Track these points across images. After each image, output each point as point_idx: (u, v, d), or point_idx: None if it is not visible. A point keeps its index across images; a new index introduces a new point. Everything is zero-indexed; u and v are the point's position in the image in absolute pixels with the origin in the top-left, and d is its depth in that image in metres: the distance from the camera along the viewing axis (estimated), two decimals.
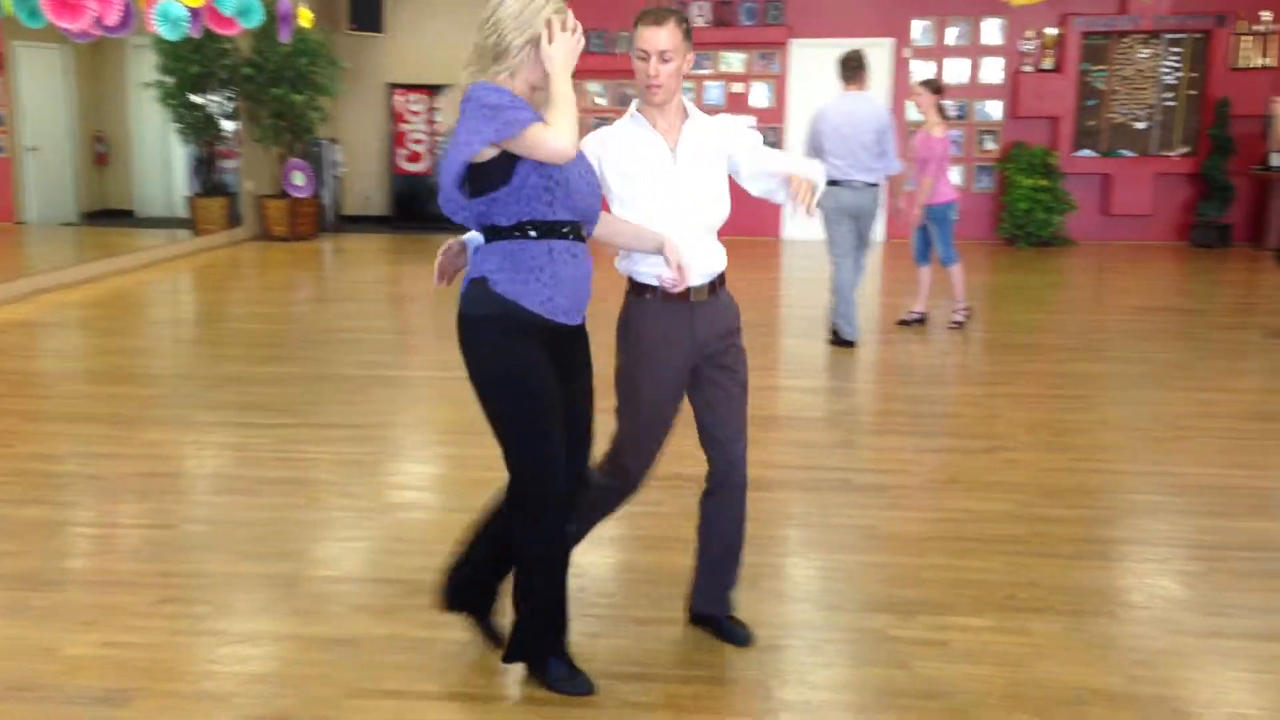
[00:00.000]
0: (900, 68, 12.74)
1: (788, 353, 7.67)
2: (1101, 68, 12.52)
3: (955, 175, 12.78)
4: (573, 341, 2.98)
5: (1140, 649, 3.37)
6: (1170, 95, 12.48)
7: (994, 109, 12.77)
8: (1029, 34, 12.53)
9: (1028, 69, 12.55)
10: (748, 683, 3.19)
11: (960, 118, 12.71)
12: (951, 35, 12.72)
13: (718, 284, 3.19)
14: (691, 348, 3.13)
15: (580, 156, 2.94)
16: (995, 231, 12.67)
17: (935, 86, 8.09)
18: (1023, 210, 12.24)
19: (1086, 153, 12.62)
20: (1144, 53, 12.46)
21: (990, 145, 12.80)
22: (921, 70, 12.58)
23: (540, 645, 3.06)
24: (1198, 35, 12.28)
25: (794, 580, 3.92)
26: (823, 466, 5.11)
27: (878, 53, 12.78)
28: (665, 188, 3.10)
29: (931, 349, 7.71)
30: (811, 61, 12.77)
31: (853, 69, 7.59)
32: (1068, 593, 3.75)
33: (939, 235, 7.99)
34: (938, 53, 12.74)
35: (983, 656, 3.32)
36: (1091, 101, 12.58)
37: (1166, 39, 12.39)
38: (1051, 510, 4.54)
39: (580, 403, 3.02)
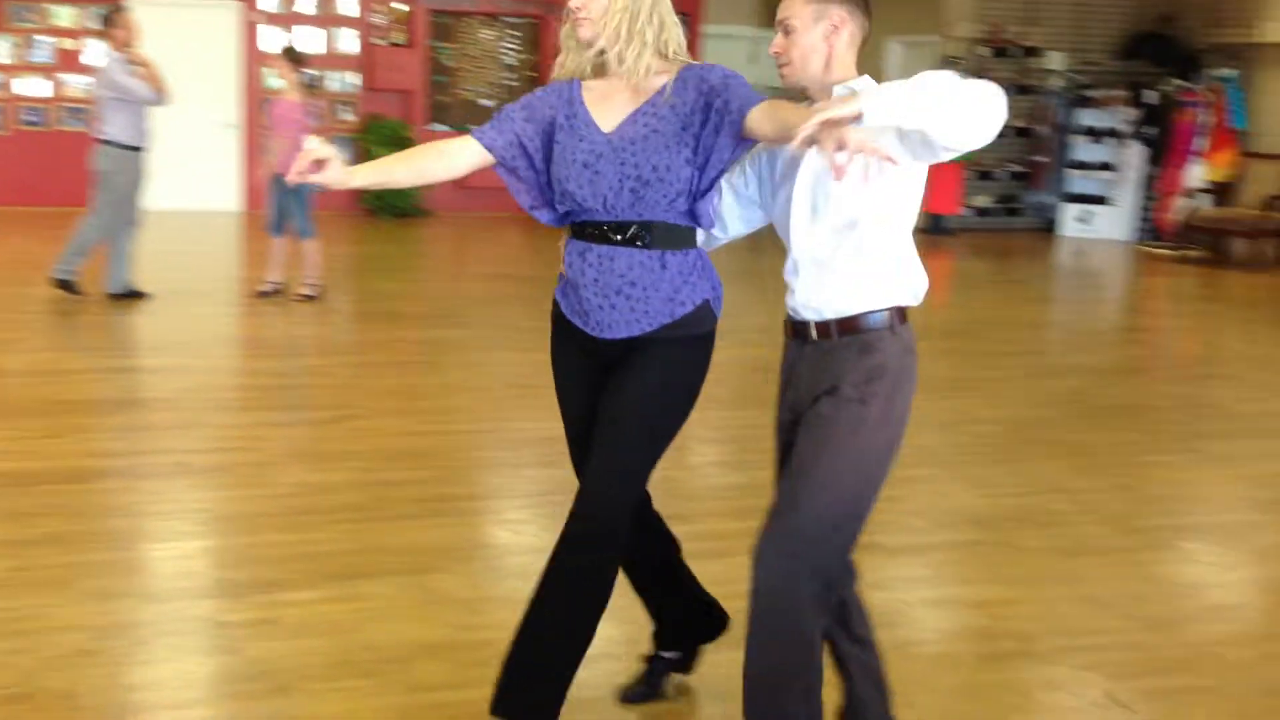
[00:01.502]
0: (249, 33, 12.33)
1: (121, 329, 7.12)
2: (449, 45, 13.01)
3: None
4: None
5: (471, 599, 3.51)
6: (512, 75, 13.28)
7: (350, 80, 12.79)
8: (379, 8, 12.69)
9: (380, 42, 12.71)
10: (49, 695, 2.87)
11: (315, 88, 12.58)
12: (303, 3, 12.52)
13: None
14: None
15: None
16: (357, 202, 12.73)
17: (295, 56, 7.94)
18: None
19: (440, 127, 13.07)
20: (487, 33, 13.13)
21: (348, 116, 12.81)
22: (271, 37, 12.26)
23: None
24: (532, 20, 13.17)
25: (117, 576, 3.60)
26: (159, 450, 4.78)
27: (224, 16, 12.25)
28: None
29: (288, 321, 7.54)
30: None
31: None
32: (405, 553, 3.82)
33: (296, 206, 7.82)
34: (288, 20, 12.49)
35: (314, 628, 3.27)
36: (441, 78, 13.04)
37: (505, 22, 13.14)
38: (395, 474, 4.60)
39: None
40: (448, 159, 2.71)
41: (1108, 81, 12.88)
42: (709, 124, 2.47)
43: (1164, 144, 11.99)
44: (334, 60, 12.72)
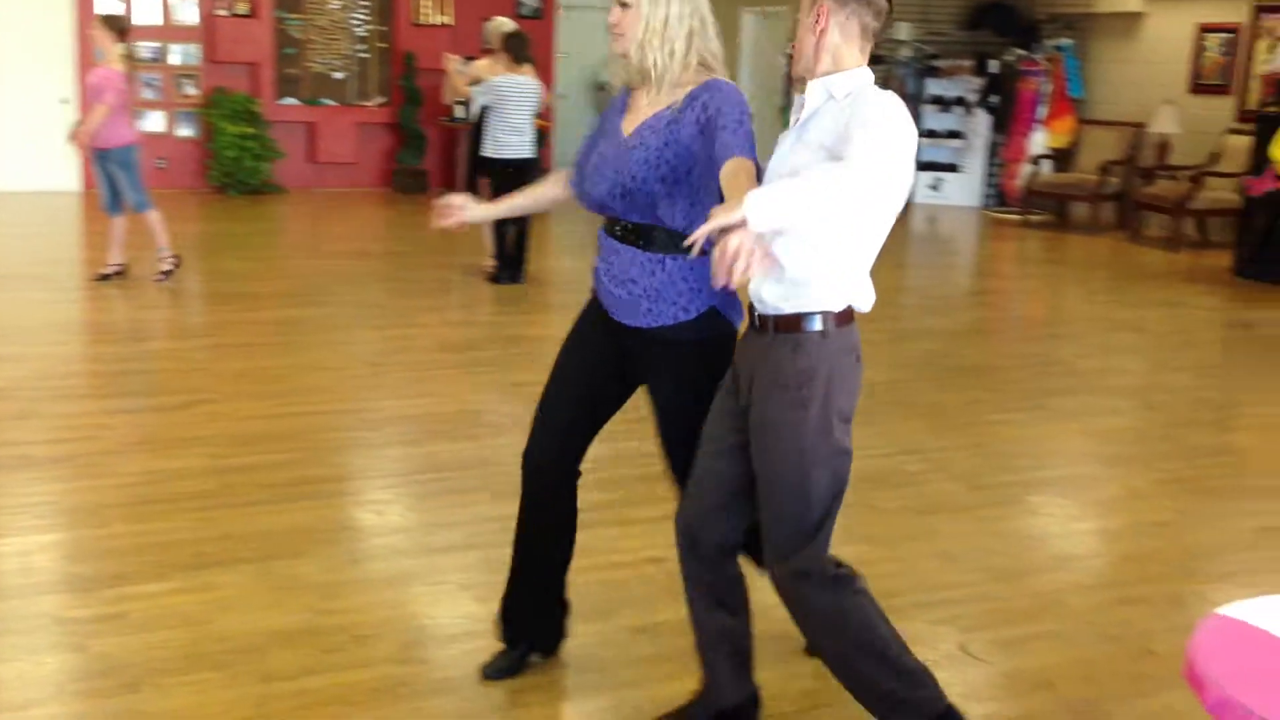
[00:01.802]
0: (83, 4, 11.77)
1: None
2: (297, 17, 12.63)
3: (158, 121, 12.19)
4: None
5: (327, 584, 3.44)
6: (363, 47, 12.97)
7: (191, 52, 12.33)
8: None
9: (222, 13, 12.27)
10: None
11: (156, 60, 12.10)
12: None
13: None
14: None
15: None
16: (205, 180, 12.30)
17: (115, 23, 7.56)
18: (230, 158, 12.02)
19: (290, 100, 12.70)
20: (335, 4, 12.79)
21: (191, 90, 12.35)
22: (107, 7, 11.72)
23: None
24: None
25: None
26: None
27: None
28: None
29: (134, 303, 7.25)
30: None
31: None
32: (258, 540, 3.71)
33: (126, 180, 7.49)
34: None
35: (164, 621, 3.16)
36: (290, 50, 12.66)
37: None
38: (248, 459, 4.47)
39: None
40: (562, 184, 2.93)
41: (954, 52, 13.22)
42: (699, 148, 2.56)
43: (1007, 112, 12.37)
44: (173, 31, 12.24)
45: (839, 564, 2.53)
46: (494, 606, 3.32)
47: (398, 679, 2.92)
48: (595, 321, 2.83)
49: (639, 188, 2.59)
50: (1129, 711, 2.92)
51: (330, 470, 4.46)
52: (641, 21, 2.59)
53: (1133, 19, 11.63)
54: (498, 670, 2.96)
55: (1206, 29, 10.98)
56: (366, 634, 3.12)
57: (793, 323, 2.39)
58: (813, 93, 2.39)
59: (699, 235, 2.15)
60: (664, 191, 2.58)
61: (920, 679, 2.50)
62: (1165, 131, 11.00)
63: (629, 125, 2.68)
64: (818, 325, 2.38)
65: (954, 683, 3.03)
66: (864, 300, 2.46)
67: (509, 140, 7.85)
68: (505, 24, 8.07)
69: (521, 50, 7.81)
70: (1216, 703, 1.63)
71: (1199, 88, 11.10)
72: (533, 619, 2.99)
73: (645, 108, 2.66)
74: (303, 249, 9.97)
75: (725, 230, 2.10)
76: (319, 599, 3.32)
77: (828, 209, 2.14)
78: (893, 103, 2.26)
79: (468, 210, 2.86)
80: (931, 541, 3.94)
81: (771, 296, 2.41)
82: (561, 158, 14.33)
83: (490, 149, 7.88)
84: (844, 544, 3.88)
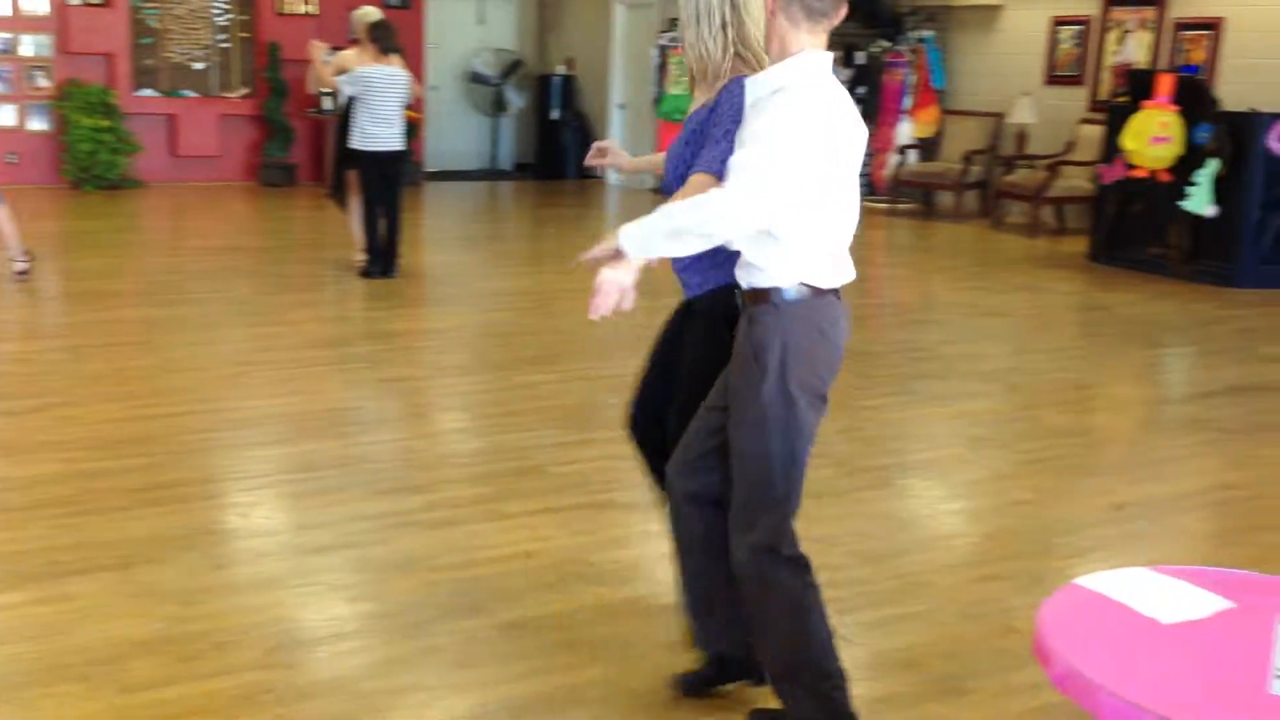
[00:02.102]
0: None
1: None
2: (154, 5, 12.23)
3: (8, 114, 11.70)
4: None
5: (187, 590, 3.33)
6: (224, 37, 12.62)
7: (43, 43, 11.83)
8: None
9: (75, 2, 11.81)
10: None
11: (6, 52, 11.59)
12: None
13: None
14: None
15: None
16: (60, 175, 11.83)
17: None
18: (86, 152, 11.57)
19: (148, 92, 12.29)
20: None
21: (43, 82, 11.86)
22: None
23: None
24: None
25: None
26: None
27: None
28: None
29: None
30: None
31: None
32: (117, 547, 3.58)
33: None
34: None
35: (20, 633, 3.03)
36: (147, 39, 12.25)
37: None
38: (106, 463, 4.31)
39: None
40: None
41: None
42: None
43: (874, 103, 12.61)
44: (23, 22, 11.73)
45: (799, 549, 2.61)
46: (365, 606, 3.27)
47: (262, 685, 2.84)
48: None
49: (672, 182, 2.72)
50: (991, 686, 3.00)
51: (193, 473, 4.33)
52: (682, 14, 2.71)
53: (991, 12, 11.96)
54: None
55: (1060, 21, 11.35)
56: (229, 640, 3.04)
57: (751, 297, 2.52)
58: (750, 86, 2.48)
59: (585, 258, 2.36)
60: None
61: (842, 682, 2.60)
62: (1023, 122, 11.34)
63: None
64: (772, 300, 2.47)
65: None
66: (825, 277, 2.51)
67: (378, 132, 7.72)
68: (371, 13, 7.93)
69: (388, 40, 7.69)
70: (1062, 675, 1.68)
71: (1054, 79, 11.47)
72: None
73: (698, 100, 2.75)
74: (164, 246, 9.67)
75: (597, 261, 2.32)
76: (180, 606, 3.22)
77: (697, 238, 2.34)
78: (798, 108, 2.35)
79: (620, 157, 3.10)
80: (808, 527, 3.96)
81: (740, 273, 2.54)
82: (433, 150, 14.17)
83: (358, 141, 7.75)
84: None
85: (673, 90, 12.79)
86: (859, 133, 2.51)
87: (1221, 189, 8.48)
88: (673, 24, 12.80)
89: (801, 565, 2.60)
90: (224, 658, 2.96)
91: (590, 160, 3.13)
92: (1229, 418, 5.45)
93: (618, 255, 2.38)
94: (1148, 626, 1.89)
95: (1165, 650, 1.81)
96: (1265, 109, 8.69)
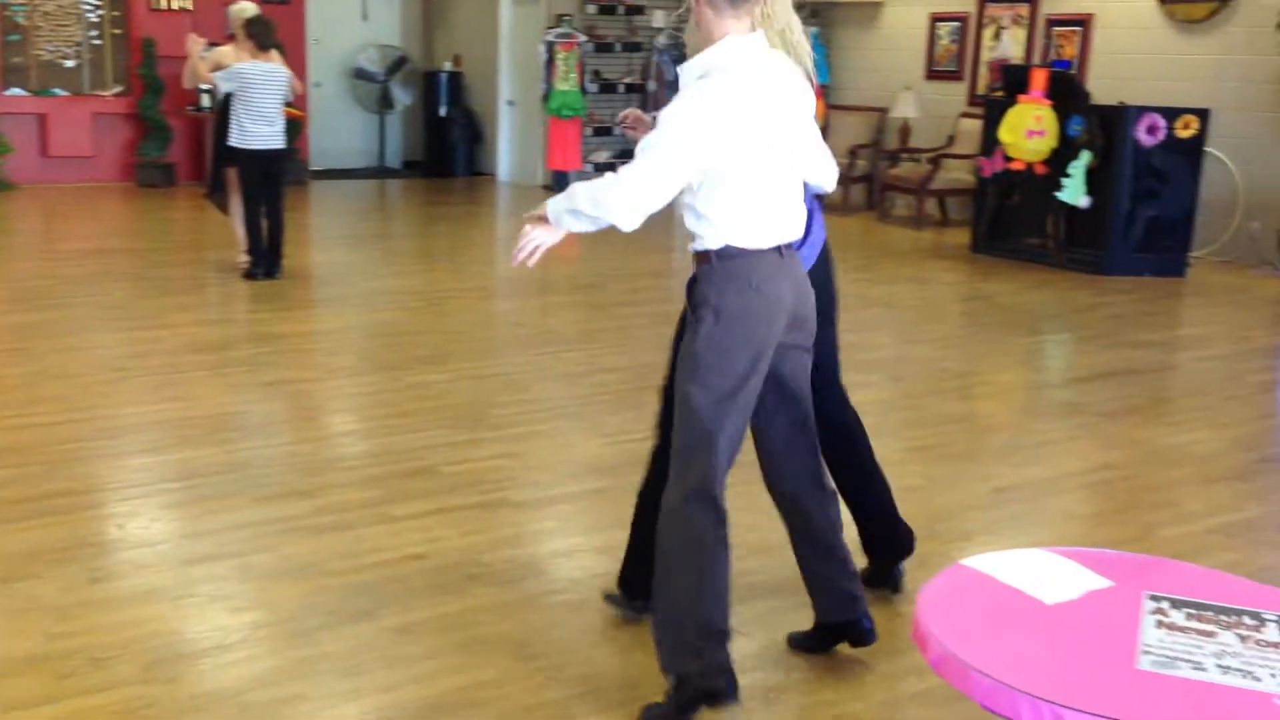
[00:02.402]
0: None
1: None
2: (21, 2, 11.79)
3: None
4: None
5: (64, 605, 3.22)
6: (96, 33, 12.22)
7: None
8: None
9: None
10: None
11: None
12: None
13: None
14: None
15: None
16: None
17: None
18: None
19: (17, 91, 11.84)
20: None
21: None
22: None
23: None
24: None
25: None
26: None
27: None
28: None
29: None
30: None
31: None
32: None
33: None
34: None
35: None
36: (15, 37, 11.80)
37: None
38: None
39: None
40: None
41: None
42: None
43: None
44: None
45: (723, 501, 2.75)
46: (250, 616, 3.20)
47: (142, 700, 2.76)
48: None
49: None
50: (881, 670, 3.05)
51: (69, 484, 4.18)
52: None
53: (873, 8, 12.17)
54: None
55: (938, 18, 11.61)
56: (108, 656, 2.94)
57: (695, 260, 2.77)
58: (681, 72, 2.71)
59: (525, 215, 2.74)
60: None
61: (725, 642, 2.76)
62: (906, 116, 11.56)
63: None
64: (710, 260, 2.71)
65: None
66: (757, 238, 2.70)
67: (257, 130, 7.55)
68: (248, 9, 7.75)
69: (265, 36, 7.52)
70: (937, 659, 1.71)
71: (934, 74, 11.72)
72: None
73: None
74: (36, 249, 9.33)
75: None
76: (57, 621, 3.11)
77: (589, 220, 2.65)
78: (717, 91, 2.58)
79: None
80: None
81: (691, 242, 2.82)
82: (319, 148, 13.92)
83: (237, 139, 7.57)
84: (609, 528, 3.94)
85: (561, 86, 12.75)
86: (796, 103, 2.75)
87: (1094, 180, 8.76)
88: (560, 20, 12.76)
89: (720, 516, 2.73)
90: (102, 674, 2.87)
91: (625, 130, 3.17)
92: (1102, 401, 5.63)
93: (545, 220, 2.71)
94: (1026, 607, 1.94)
95: (1040, 630, 1.86)
96: (1133, 102, 9.00)
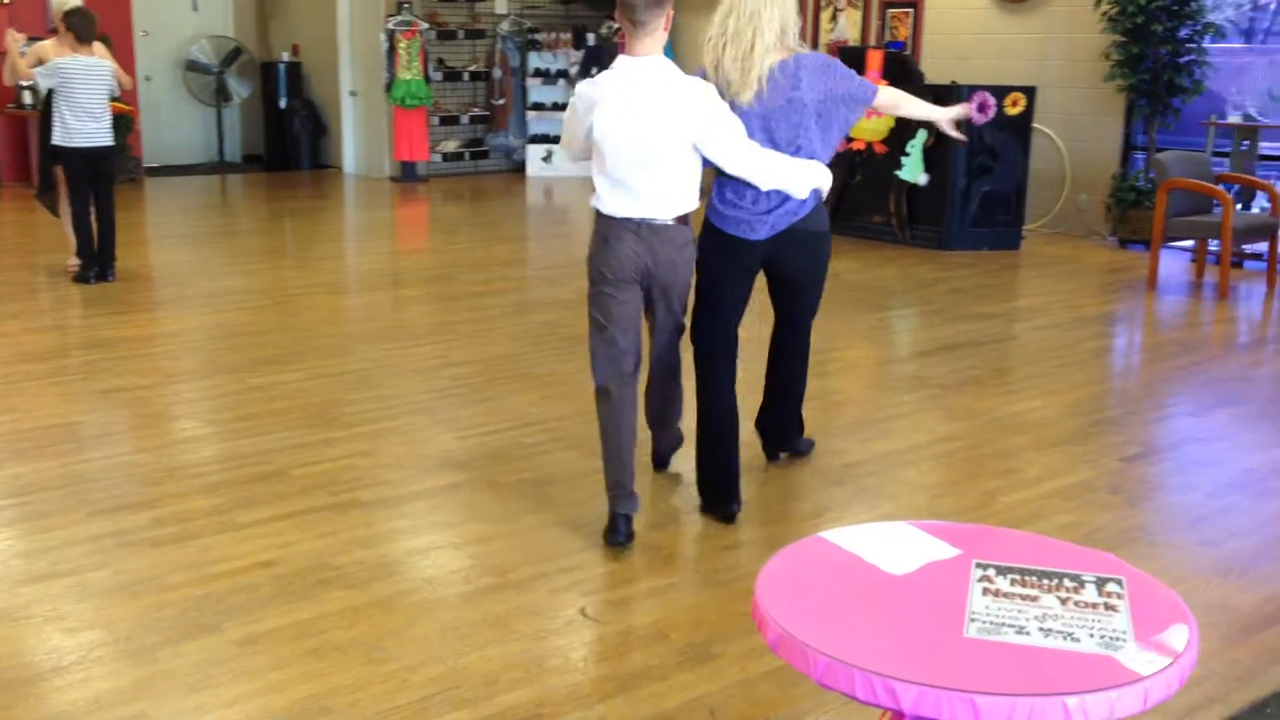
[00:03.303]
0: None
1: None
2: None
3: None
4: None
5: None
6: None
7: None
8: None
9: None
10: None
11: None
12: None
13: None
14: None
15: None
16: None
17: None
18: None
19: None
20: None
21: None
22: None
23: None
24: None
25: None
26: None
27: None
28: None
29: None
30: None
31: None
32: None
33: None
34: None
35: None
36: None
37: None
38: None
39: None
40: None
41: (553, 25, 13.47)
42: None
43: None
44: None
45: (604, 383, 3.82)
46: (88, 636, 3.08)
47: None
48: None
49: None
50: (734, 651, 3.09)
51: None
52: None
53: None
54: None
55: None
56: None
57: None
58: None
59: None
60: None
61: (623, 481, 3.75)
62: None
63: None
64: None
65: (574, 647, 3.12)
66: (605, 206, 3.69)
67: (81, 126, 7.24)
68: (66, 1, 7.41)
69: (85, 29, 7.21)
70: (775, 640, 1.74)
71: None
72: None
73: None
74: None
75: None
76: None
77: None
78: (575, 92, 3.69)
79: None
80: (550, 512, 4.01)
81: None
82: (152, 143, 13.43)
83: (60, 137, 7.24)
84: (464, 523, 3.91)
85: (404, 75, 12.55)
86: (628, 111, 3.56)
87: (931, 158, 9.02)
88: (400, 7, 12.55)
89: (601, 393, 3.84)
90: None
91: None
92: (945, 374, 5.81)
93: None
94: (866, 581, 1.98)
95: (878, 604, 1.90)
96: (965, 81, 9.29)
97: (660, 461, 4.43)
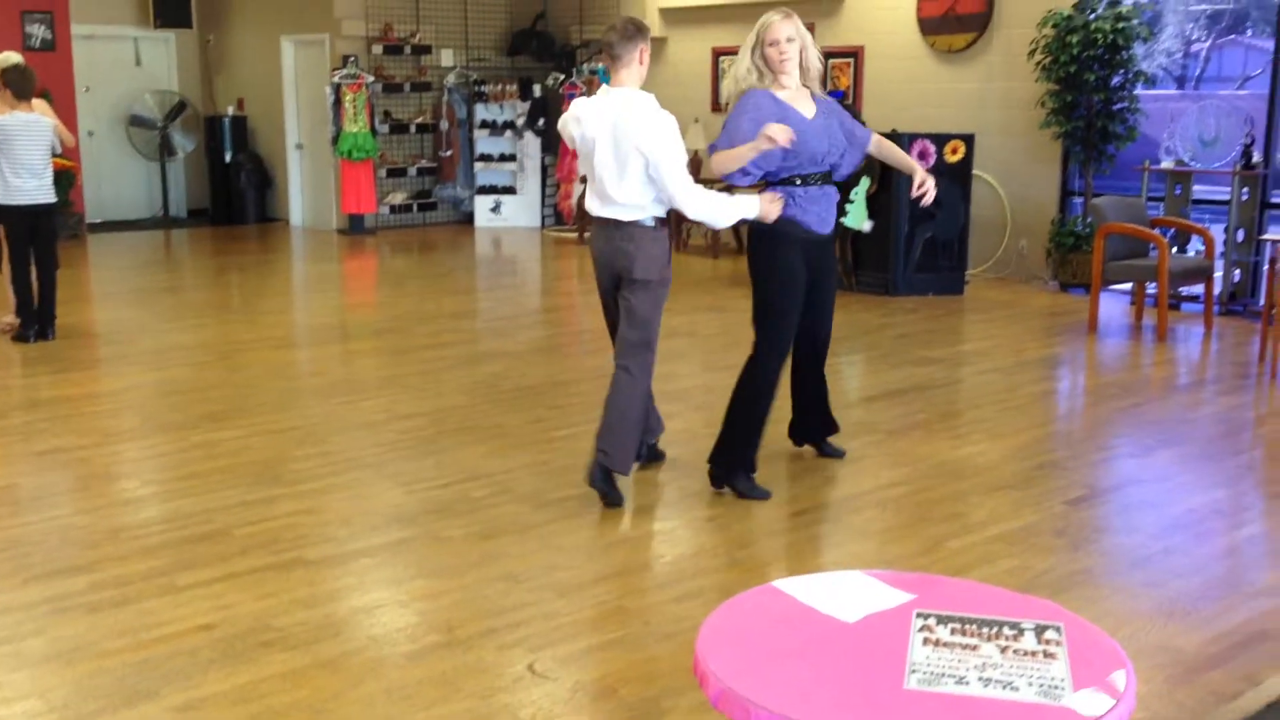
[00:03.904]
0: None
1: None
2: None
3: None
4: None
5: None
6: None
7: None
8: None
9: None
10: None
11: None
12: None
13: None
14: None
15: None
16: None
17: None
18: None
19: None
20: None
21: None
22: None
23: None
24: None
25: None
26: None
27: None
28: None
29: None
30: None
31: None
32: None
33: None
34: None
35: None
36: None
37: None
38: None
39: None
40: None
41: (499, 76, 13.55)
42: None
43: (554, 134, 12.82)
44: None
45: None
46: (21, 706, 3.00)
47: None
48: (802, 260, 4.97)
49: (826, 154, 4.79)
50: (685, 704, 3.07)
51: None
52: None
53: (656, 43, 12.42)
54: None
55: (720, 52, 11.94)
56: None
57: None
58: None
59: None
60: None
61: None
62: (696, 148, 11.82)
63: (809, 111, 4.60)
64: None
65: (523, 704, 3.08)
66: (591, 208, 4.53)
67: (20, 184, 7.17)
68: (8, 58, 7.36)
69: (23, 85, 7.16)
70: (716, 695, 1.74)
71: (720, 106, 12.03)
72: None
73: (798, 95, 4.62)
74: None
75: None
76: None
77: None
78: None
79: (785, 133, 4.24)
80: (496, 565, 3.98)
81: None
82: (95, 199, 13.31)
83: (1, 194, 7.16)
84: (410, 579, 3.87)
85: (350, 128, 12.55)
86: (601, 132, 4.32)
87: (874, 205, 9.13)
88: (345, 61, 12.57)
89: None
90: None
91: (777, 139, 4.21)
92: (892, 419, 5.85)
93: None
94: (808, 632, 1.98)
95: (820, 656, 1.90)
96: (905, 130, 9.44)
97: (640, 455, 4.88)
